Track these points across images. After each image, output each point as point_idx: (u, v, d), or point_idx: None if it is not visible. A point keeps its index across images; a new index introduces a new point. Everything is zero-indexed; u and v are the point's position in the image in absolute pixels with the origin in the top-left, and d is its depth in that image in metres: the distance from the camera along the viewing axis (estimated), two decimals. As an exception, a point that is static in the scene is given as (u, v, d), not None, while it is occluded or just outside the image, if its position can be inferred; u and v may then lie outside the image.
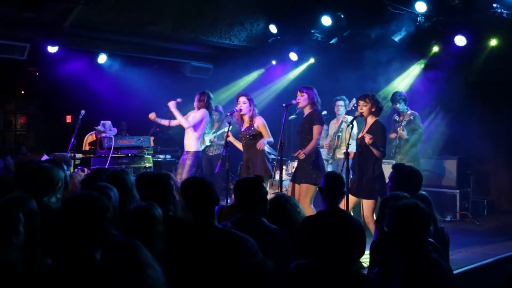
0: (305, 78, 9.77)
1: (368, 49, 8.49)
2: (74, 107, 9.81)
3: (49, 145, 10.79)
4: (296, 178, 6.28)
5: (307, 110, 6.34)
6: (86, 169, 6.66)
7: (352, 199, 5.77)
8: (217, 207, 3.29)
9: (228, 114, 6.81)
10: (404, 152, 7.79)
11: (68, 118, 12.19)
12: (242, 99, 6.62)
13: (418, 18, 8.06)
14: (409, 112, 7.76)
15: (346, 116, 7.80)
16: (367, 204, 5.72)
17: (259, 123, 6.56)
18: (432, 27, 8.18)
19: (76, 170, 6.97)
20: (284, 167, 7.71)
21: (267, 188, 5.11)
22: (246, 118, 6.63)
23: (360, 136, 6.02)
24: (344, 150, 5.87)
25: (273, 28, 9.68)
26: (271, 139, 6.63)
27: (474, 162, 9.11)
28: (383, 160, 6.02)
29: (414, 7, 7.91)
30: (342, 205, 4.90)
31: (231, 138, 6.73)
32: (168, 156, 10.56)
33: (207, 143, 9.05)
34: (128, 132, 10.85)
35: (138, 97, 10.66)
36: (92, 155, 7.47)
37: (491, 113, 9.22)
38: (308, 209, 5.83)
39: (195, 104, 7.36)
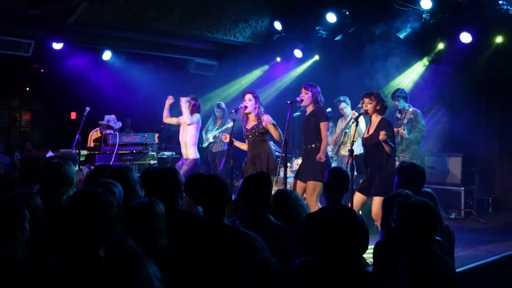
0: (309, 75, 9.74)
1: (373, 46, 8.46)
2: (78, 103, 9.86)
3: (54, 141, 10.80)
4: (300, 175, 6.25)
5: (309, 109, 6.30)
6: (92, 167, 6.66)
7: (359, 198, 5.74)
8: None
9: (233, 111, 6.67)
10: (406, 149, 7.76)
11: (73, 115, 12.26)
12: (248, 96, 6.48)
13: (423, 15, 8.02)
14: (410, 109, 7.70)
15: (356, 112, 7.73)
16: (379, 202, 5.67)
17: (268, 121, 6.37)
18: (437, 24, 8.14)
19: (82, 167, 6.99)
20: (288, 164, 7.68)
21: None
22: (251, 116, 6.49)
23: (365, 136, 5.97)
24: (349, 148, 5.82)
25: (277, 25, 9.65)
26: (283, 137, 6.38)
27: (479, 159, 9.09)
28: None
29: (419, 4, 7.86)
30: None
31: (236, 143, 6.55)
32: (173, 153, 10.58)
33: (211, 140, 9.06)
34: (132, 129, 10.87)
35: (143, 93, 10.68)
36: (97, 152, 7.47)
37: (496, 111, 9.20)
38: (314, 206, 5.82)
39: (189, 106, 7.40)
